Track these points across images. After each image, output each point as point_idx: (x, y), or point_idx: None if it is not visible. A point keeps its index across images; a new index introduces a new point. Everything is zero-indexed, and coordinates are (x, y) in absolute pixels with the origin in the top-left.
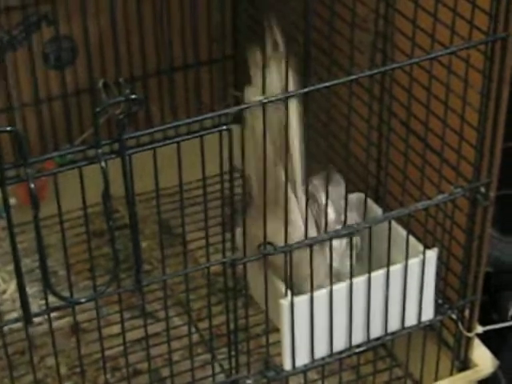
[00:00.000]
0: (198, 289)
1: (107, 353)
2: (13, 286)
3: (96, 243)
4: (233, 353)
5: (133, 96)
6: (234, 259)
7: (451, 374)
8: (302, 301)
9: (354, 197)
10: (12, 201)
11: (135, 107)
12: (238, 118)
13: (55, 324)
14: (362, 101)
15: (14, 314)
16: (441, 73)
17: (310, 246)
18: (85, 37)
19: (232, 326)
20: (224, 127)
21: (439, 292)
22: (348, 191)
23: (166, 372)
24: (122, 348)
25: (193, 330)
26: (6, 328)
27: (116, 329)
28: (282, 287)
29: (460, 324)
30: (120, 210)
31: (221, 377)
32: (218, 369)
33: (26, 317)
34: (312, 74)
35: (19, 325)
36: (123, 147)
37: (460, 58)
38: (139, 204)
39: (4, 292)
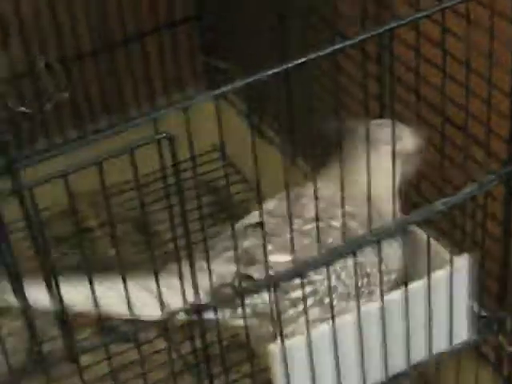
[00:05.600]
0: None
1: None
2: None
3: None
4: None
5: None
6: (199, 305)
7: None
8: (295, 343)
9: None
10: None
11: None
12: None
13: None
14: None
15: None
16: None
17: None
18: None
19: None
20: (163, 135)
21: (476, 304)
22: None
23: None
24: None
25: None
26: None
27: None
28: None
29: (501, 337)
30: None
31: None
32: None
33: None
34: None
35: None
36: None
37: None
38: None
39: None
